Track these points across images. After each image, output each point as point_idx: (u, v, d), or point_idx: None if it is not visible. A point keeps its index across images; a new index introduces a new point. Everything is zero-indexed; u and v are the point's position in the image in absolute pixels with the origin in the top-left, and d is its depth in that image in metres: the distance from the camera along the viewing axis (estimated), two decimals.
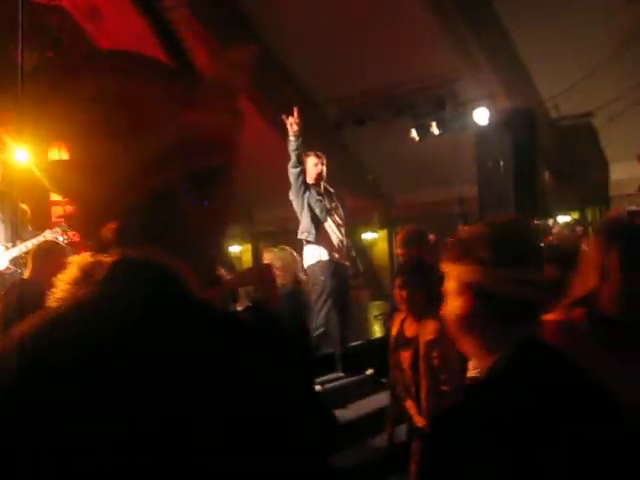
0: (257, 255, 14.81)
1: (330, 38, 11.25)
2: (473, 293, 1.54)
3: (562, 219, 11.68)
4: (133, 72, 1.14)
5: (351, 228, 13.42)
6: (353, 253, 6.99)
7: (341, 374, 6.63)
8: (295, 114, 6.43)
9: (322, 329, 6.19)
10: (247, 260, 15.04)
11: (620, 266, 2.11)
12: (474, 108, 10.14)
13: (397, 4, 10.27)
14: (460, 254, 1.59)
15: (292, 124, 6.41)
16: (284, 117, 6.53)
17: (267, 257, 5.22)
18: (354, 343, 7.27)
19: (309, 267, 6.32)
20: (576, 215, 11.81)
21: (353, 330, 7.53)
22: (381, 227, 13.23)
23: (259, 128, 11.70)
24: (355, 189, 12.22)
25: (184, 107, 1.13)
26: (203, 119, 1.14)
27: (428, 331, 3.70)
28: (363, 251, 13.30)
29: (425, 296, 3.85)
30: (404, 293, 3.90)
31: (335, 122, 12.23)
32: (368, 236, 13.35)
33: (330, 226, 6.52)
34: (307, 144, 11.13)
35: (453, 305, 1.58)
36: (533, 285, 1.49)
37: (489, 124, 10.04)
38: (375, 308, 11.39)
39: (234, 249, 14.98)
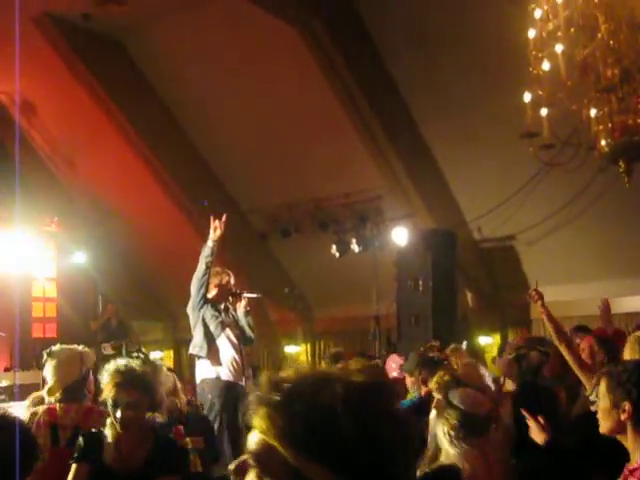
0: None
1: (260, 150, 11.40)
2: None
3: (484, 340, 11.66)
4: None
5: (274, 340, 13.37)
6: (250, 372, 6.78)
7: None
8: (223, 219, 6.35)
9: None
10: None
11: None
12: (395, 226, 10.24)
13: (326, 122, 10.50)
14: None
15: (216, 228, 6.32)
16: (211, 219, 6.43)
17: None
18: None
19: (198, 384, 6.11)
20: (498, 337, 11.80)
21: None
22: (304, 340, 13.06)
23: (186, 233, 11.65)
24: (279, 300, 12.11)
25: None
26: None
27: None
28: (285, 364, 13.05)
29: None
30: None
31: (261, 232, 12.23)
32: (291, 349, 13.12)
33: (224, 343, 6.33)
34: (232, 252, 11.13)
35: None
36: None
37: (410, 243, 10.12)
38: None
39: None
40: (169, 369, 5.52)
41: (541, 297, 5.01)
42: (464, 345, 7.77)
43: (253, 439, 1.19)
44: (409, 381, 5.61)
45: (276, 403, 1.15)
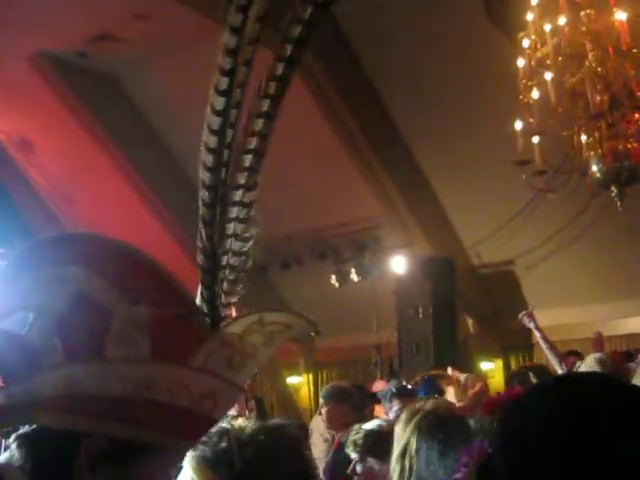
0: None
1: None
2: None
3: (486, 366, 11.63)
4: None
5: (276, 371, 13.29)
6: (253, 404, 6.76)
7: None
8: None
9: None
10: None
11: None
12: (394, 255, 10.28)
13: (322, 153, 10.57)
14: None
15: None
16: None
17: None
18: None
19: None
20: (500, 362, 11.78)
21: None
22: (306, 371, 13.02)
23: (185, 269, 11.63)
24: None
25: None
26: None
27: None
28: (288, 395, 13.03)
29: None
30: None
31: (260, 264, 12.22)
32: (293, 380, 13.09)
33: None
34: None
35: None
36: None
37: (409, 271, 10.15)
38: None
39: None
40: None
41: (533, 319, 5.04)
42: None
43: None
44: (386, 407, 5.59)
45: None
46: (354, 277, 10.73)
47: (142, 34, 9.62)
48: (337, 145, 10.35)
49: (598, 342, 6.83)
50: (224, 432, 1.44)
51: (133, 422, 1.07)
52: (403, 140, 10.47)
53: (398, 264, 10.11)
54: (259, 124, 1.23)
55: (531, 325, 5.15)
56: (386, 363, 10.57)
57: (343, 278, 10.85)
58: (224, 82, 1.18)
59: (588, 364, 4.57)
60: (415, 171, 10.64)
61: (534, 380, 6.31)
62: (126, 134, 11.18)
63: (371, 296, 10.31)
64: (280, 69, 1.24)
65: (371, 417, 5.38)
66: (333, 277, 10.91)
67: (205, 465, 1.42)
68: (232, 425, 1.48)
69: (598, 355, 4.81)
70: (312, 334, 1.22)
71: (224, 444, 1.43)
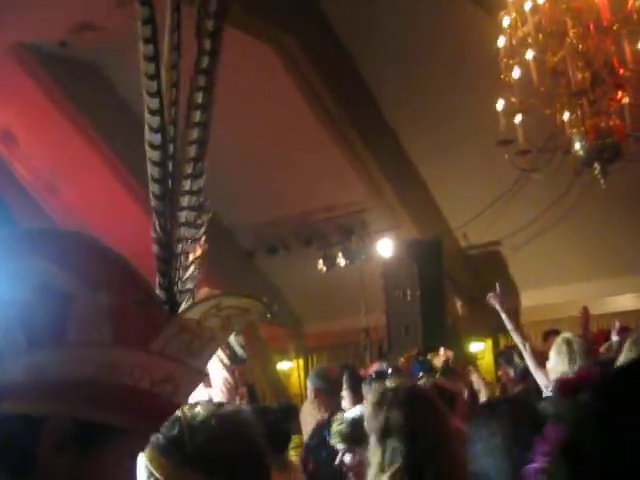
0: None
1: (241, 167, 11.42)
2: None
3: (476, 346, 11.69)
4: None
5: (266, 357, 13.30)
6: (244, 391, 6.76)
7: None
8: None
9: None
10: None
11: None
12: (381, 238, 10.30)
13: (305, 138, 10.55)
14: None
15: None
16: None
17: None
18: None
19: None
20: (489, 343, 11.84)
21: None
22: (296, 356, 13.06)
23: None
24: (270, 318, 12.09)
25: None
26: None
27: None
28: (279, 381, 13.06)
29: None
30: None
31: (248, 250, 12.23)
32: (284, 365, 13.12)
33: (215, 364, 6.30)
34: (219, 272, 11.14)
35: None
36: None
37: (396, 254, 10.18)
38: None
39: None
40: None
41: (498, 300, 5.13)
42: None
43: None
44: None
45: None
46: (341, 261, 10.75)
47: (125, 22, 9.48)
48: (322, 130, 10.33)
49: (584, 318, 6.89)
50: (176, 419, 1.53)
51: (99, 404, 1.09)
52: (387, 123, 10.46)
53: (385, 247, 10.13)
54: (197, 115, 1.29)
55: (497, 306, 5.25)
56: (375, 346, 10.61)
57: (330, 262, 10.87)
58: (152, 86, 1.25)
59: (557, 343, 4.63)
60: (400, 154, 10.65)
61: (517, 359, 6.38)
62: (110, 124, 11.11)
63: (359, 280, 10.34)
64: (205, 61, 1.33)
65: (361, 400, 5.41)
66: (320, 262, 10.93)
67: (157, 451, 1.53)
68: (184, 412, 1.55)
69: (568, 335, 4.86)
70: (268, 316, 1.26)
71: (176, 431, 1.53)
